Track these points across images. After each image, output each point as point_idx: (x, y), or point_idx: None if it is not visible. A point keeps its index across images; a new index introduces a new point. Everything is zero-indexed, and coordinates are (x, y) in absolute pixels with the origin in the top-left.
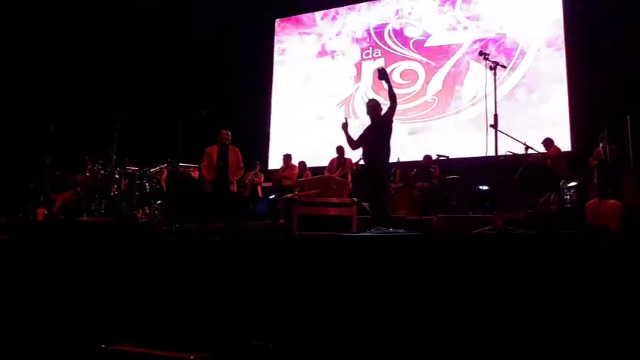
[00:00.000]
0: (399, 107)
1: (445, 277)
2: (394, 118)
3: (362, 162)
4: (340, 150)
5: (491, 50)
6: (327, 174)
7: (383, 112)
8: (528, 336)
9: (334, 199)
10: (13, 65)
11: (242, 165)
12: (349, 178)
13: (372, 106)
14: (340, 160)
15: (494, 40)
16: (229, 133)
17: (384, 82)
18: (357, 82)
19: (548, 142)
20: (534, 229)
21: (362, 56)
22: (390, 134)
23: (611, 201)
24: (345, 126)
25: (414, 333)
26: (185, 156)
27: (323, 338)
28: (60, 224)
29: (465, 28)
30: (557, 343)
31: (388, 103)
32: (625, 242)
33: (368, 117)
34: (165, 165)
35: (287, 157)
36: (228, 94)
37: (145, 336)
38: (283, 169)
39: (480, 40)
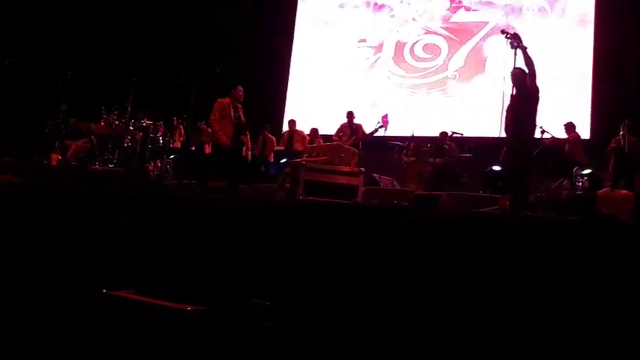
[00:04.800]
0: (418, 81)
1: (442, 252)
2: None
3: (378, 129)
4: (350, 115)
5: (516, 29)
6: (337, 139)
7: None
8: (520, 320)
9: (342, 167)
10: (33, 12)
11: None
12: (360, 145)
13: (516, 75)
14: (352, 126)
15: (518, 17)
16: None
17: (517, 50)
18: (378, 53)
19: (570, 127)
20: (543, 213)
21: (385, 26)
22: (537, 105)
23: (623, 191)
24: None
25: (404, 301)
26: (196, 112)
27: (320, 300)
28: (72, 170)
29: (492, 5)
30: (552, 328)
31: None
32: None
33: (514, 87)
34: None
35: (292, 123)
36: (245, 53)
37: (146, 285)
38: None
39: (507, 19)
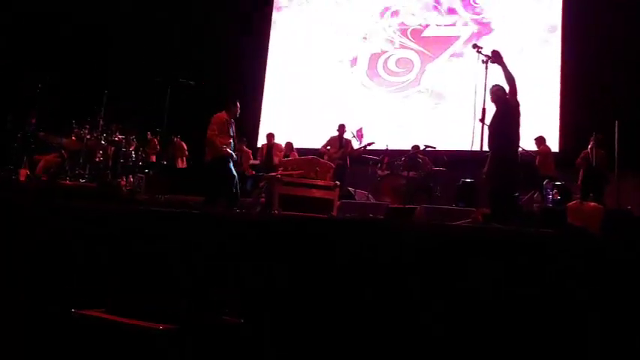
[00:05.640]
0: (392, 95)
1: (418, 265)
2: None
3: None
4: (342, 128)
5: (486, 44)
6: (324, 150)
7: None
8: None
9: (317, 181)
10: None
11: None
12: (348, 161)
13: (495, 92)
14: (342, 140)
15: (488, 33)
16: None
17: (496, 65)
18: (353, 66)
19: (540, 140)
20: (514, 226)
21: (359, 40)
22: (519, 121)
23: (592, 204)
24: None
25: (381, 315)
26: (170, 126)
27: (294, 317)
28: (41, 185)
29: (463, 20)
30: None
31: None
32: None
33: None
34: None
35: (270, 136)
36: (220, 64)
37: (116, 304)
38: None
39: (477, 34)
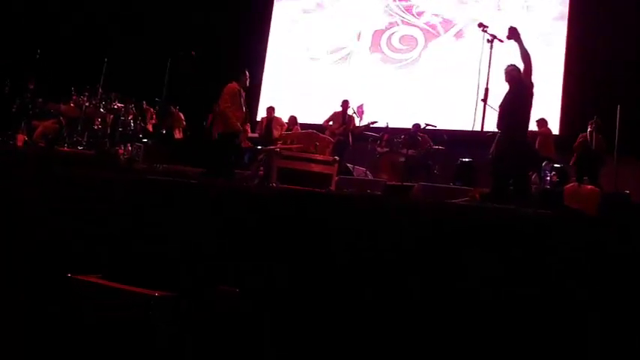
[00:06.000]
0: (394, 72)
1: (415, 242)
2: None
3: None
4: (345, 104)
5: (492, 24)
6: (327, 125)
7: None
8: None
9: (316, 156)
10: None
11: None
12: (350, 137)
13: (510, 72)
14: (345, 116)
15: (495, 13)
16: None
17: (513, 41)
18: (355, 42)
19: (542, 122)
20: (510, 206)
21: (363, 16)
22: (531, 101)
23: (589, 186)
24: None
25: (374, 289)
26: (169, 96)
27: (290, 290)
28: (38, 151)
29: (471, 1)
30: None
31: None
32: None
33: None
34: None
35: (270, 110)
36: (220, 35)
37: (113, 270)
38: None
39: (483, 14)
